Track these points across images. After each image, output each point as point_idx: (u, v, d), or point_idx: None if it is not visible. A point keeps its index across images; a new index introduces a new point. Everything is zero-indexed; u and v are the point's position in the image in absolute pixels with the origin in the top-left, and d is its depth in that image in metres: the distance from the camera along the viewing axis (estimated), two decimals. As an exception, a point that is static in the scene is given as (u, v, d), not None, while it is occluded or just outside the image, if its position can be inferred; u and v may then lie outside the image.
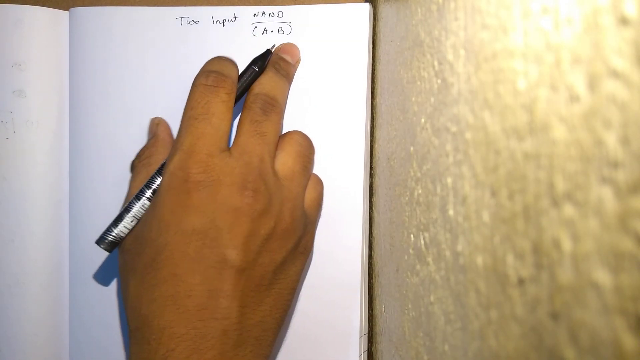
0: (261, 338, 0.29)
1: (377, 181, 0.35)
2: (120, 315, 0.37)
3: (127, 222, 0.31)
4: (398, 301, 0.29)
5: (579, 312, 0.13)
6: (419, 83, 0.26)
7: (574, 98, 0.13)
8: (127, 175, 0.35)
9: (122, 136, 0.37)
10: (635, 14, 0.11)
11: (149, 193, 0.31)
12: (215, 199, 0.29)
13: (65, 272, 0.38)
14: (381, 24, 0.35)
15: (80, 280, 0.38)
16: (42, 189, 0.37)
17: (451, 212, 0.21)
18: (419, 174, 0.25)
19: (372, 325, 0.37)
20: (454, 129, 0.21)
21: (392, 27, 0.31)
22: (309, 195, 0.33)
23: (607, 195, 0.12)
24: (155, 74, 0.37)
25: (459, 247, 0.20)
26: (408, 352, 0.27)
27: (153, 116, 0.36)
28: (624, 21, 0.12)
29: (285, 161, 0.32)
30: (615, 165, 0.12)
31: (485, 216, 0.18)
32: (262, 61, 0.34)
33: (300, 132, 0.34)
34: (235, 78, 0.33)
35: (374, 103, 0.36)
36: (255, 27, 0.37)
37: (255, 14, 0.37)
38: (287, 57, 0.35)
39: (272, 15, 0.37)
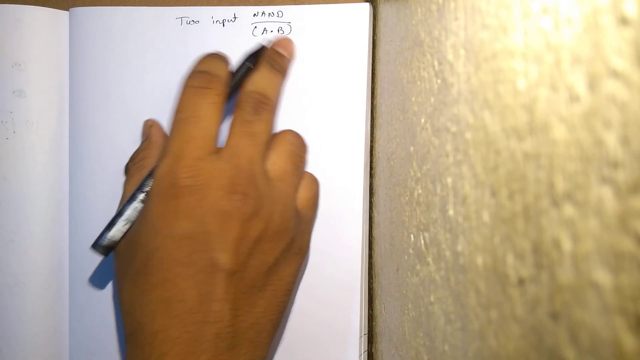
0: (256, 340, 0.29)
1: (377, 181, 0.35)
2: (119, 315, 0.37)
3: (121, 226, 0.31)
4: (398, 301, 0.29)
5: (579, 312, 0.13)
6: (419, 83, 0.26)
7: (574, 98, 0.13)
8: (127, 175, 0.34)
9: (122, 136, 0.37)
10: (635, 14, 0.11)
11: (141, 196, 0.31)
12: (204, 203, 0.29)
13: (65, 272, 0.38)
14: (381, 24, 0.35)
15: (80, 280, 0.38)
16: (42, 189, 0.37)
17: (451, 212, 0.21)
18: (419, 174, 0.25)
19: (372, 325, 0.37)
20: (454, 129, 0.21)
21: (392, 27, 0.31)
22: (303, 194, 0.33)
23: (607, 195, 0.12)
24: (155, 74, 0.37)
25: (459, 247, 0.20)
26: (408, 352, 0.27)
27: (153, 116, 0.36)
28: (624, 21, 0.12)
29: (276, 161, 0.32)
30: (615, 165, 0.12)
31: (485, 216, 0.18)
32: (256, 57, 0.34)
33: (292, 131, 0.34)
34: (226, 76, 0.32)
35: (374, 103, 0.36)
36: (255, 27, 0.37)
37: (255, 14, 0.37)
38: (283, 51, 0.35)
39: (272, 15, 0.37)
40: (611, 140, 0.12)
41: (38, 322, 0.37)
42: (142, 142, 0.35)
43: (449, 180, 0.21)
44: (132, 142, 0.36)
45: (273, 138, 0.33)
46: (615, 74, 0.12)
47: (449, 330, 0.21)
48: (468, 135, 0.19)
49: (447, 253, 0.21)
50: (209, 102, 0.31)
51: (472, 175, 0.19)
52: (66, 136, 0.38)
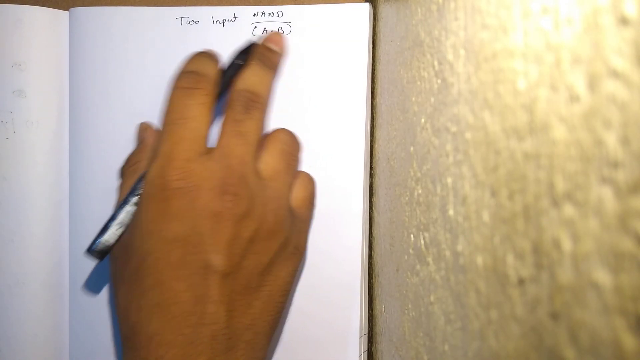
0: (253, 341, 0.29)
1: (377, 181, 0.35)
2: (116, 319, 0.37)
3: (114, 230, 0.31)
4: (398, 301, 0.29)
5: (579, 312, 0.13)
6: (419, 83, 0.26)
7: (574, 98, 0.13)
8: (127, 175, 0.34)
9: (122, 136, 0.37)
10: (635, 14, 0.11)
11: (134, 199, 0.31)
12: (195, 205, 0.29)
13: (65, 272, 0.38)
14: (381, 24, 0.35)
15: (80, 280, 0.38)
16: (42, 189, 0.37)
17: (451, 212, 0.21)
18: (419, 174, 0.25)
19: (372, 325, 0.37)
20: (454, 129, 0.21)
21: (392, 27, 0.31)
22: (298, 194, 0.33)
23: (607, 195, 0.12)
24: (155, 74, 0.37)
25: (459, 247, 0.20)
26: (408, 352, 0.27)
27: (153, 116, 0.36)
28: (624, 21, 0.12)
29: (268, 161, 0.32)
30: (615, 165, 0.12)
31: (485, 216, 0.18)
32: (246, 54, 0.34)
33: (284, 129, 0.34)
34: (215, 76, 0.32)
35: (374, 103, 0.36)
36: (255, 27, 0.37)
37: (255, 14, 0.37)
38: (274, 47, 0.35)
39: (272, 15, 0.37)
40: (611, 140, 0.12)
41: (38, 322, 0.37)
42: (137, 146, 0.35)
43: (449, 180, 0.21)
44: (132, 142, 0.36)
45: (265, 137, 0.33)
46: (615, 74, 0.12)
47: (449, 330, 0.21)
48: (468, 135, 0.19)
49: (447, 253, 0.21)
50: (198, 103, 0.31)
51: (472, 175, 0.19)
52: (66, 136, 0.38)
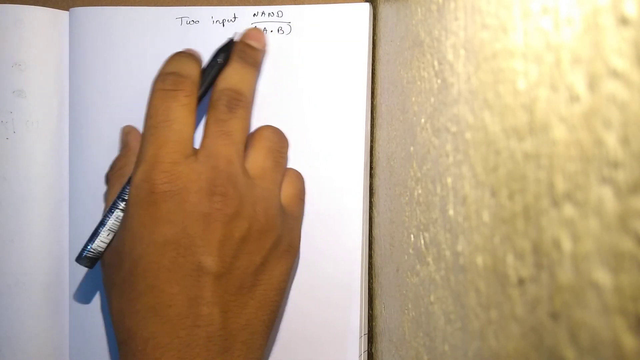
0: (249, 342, 0.29)
1: (377, 181, 0.35)
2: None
3: (104, 237, 0.31)
4: (398, 301, 0.29)
5: (579, 312, 0.13)
6: (419, 83, 0.26)
7: (574, 98, 0.13)
8: (127, 175, 0.34)
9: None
10: (635, 14, 0.11)
11: (122, 205, 0.31)
12: (184, 207, 0.28)
13: (65, 272, 0.38)
14: (381, 24, 0.35)
15: (81, 281, 0.38)
16: (42, 189, 0.37)
17: (451, 212, 0.21)
18: (419, 174, 0.25)
19: (372, 325, 0.37)
20: (454, 129, 0.21)
21: (392, 27, 0.31)
22: (288, 191, 0.33)
23: (607, 195, 0.12)
24: (155, 74, 0.37)
25: (459, 247, 0.20)
26: (408, 352, 0.27)
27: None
28: (624, 21, 0.12)
29: (255, 159, 0.31)
30: (615, 165, 0.12)
31: (485, 216, 0.18)
32: (226, 52, 0.33)
33: (270, 126, 0.33)
34: (196, 76, 0.32)
35: (374, 103, 0.36)
36: (255, 27, 0.37)
37: (255, 14, 0.37)
38: (254, 43, 0.34)
39: (272, 15, 0.37)
40: (611, 140, 0.12)
41: (38, 322, 0.37)
42: (121, 150, 0.35)
43: (449, 180, 0.21)
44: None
45: (251, 135, 0.33)
46: (615, 74, 0.12)
47: (449, 330, 0.21)
48: (468, 135, 0.19)
49: (447, 253, 0.21)
50: (181, 105, 0.30)
51: (472, 175, 0.19)
52: (66, 136, 0.38)
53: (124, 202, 0.31)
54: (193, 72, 0.32)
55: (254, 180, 0.31)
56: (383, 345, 0.33)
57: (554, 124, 0.14)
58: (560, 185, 0.14)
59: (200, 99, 0.32)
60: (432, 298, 0.23)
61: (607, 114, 0.12)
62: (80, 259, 0.31)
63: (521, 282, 0.15)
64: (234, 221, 0.29)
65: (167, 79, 0.31)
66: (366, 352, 0.36)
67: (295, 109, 0.36)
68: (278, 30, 0.36)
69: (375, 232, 0.36)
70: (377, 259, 0.35)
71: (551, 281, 0.14)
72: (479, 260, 0.18)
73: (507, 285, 0.16)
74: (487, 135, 0.18)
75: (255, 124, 0.34)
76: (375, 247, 0.36)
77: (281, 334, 0.36)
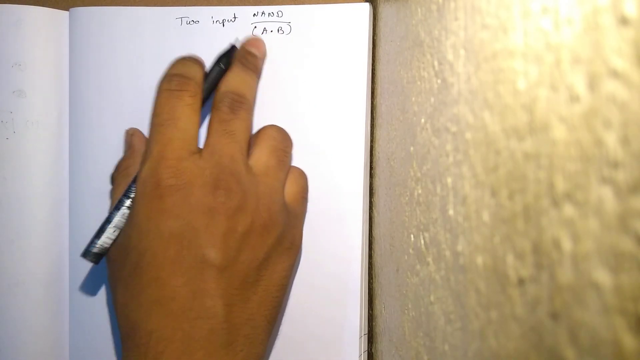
0: (251, 336, 0.29)
1: (377, 181, 0.35)
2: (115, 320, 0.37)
3: (110, 233, 0.31)
4: (398, 301, 0.29)
5: (579, 312, 0.13)
6: (419, 83, 0.26)
7: (574, 98, 0.13)
8: (127, 175, 0.34)
9: (122, 136, 0.37)
10: (635, 14, 0.11)
11: (127, 202, 0.31)
12: (189, 201, 0.29)
13: (65, 272, 0.38)
14: (381, 24, 0.35)
15: (81, 280, 0.38)
16: (42, 189, 0.37)
17: (451, 212, 0.21)
18: (419, 174, 0.25)
19: (372, 325, 0.37)
20: (454, 129, 0.21)
21: (392, 27, 0.31)
22: (290, 189, 0.33)
23: (607, 195, 0.12)
24: (155, 74, 0.37)
25: (459, 247, 0.20)
26: (408, 352, 0.27)
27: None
28: (624, 21, 0.12)
29: (259, 157, 0.32)
30: (615, 165, 0.12)
31: (485, 216, 0.18)
32: (228, 58, 0.34)
33: (274, 125, 0.34)
34: (200, 78, 0.33)
35: (374, 103, 0.36)
36: (255, 27, 0.37)
37: (255, 14, 0.37)
38: (254, 51, 0.35)
39: (272, 15, 0.37)
40: (611, 140, 0.12)
41: (38, 322, 0.37)
42: (125, 151, 0.36)
43: (449, 180, 0.21)
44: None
45: (255, 135, 0.33)
46: (615, 74, 0.12)
47: (449, 330, 0.21)
48: (468, 135, 0.19)
49: (447, 253, 0.21)
50: (185, 104, 0.31)
51: (472, 175, 0.19)
52: (66, 136, 0.38)
53: (130, 200, 0.31)
54: (197, 75, 0.33)
55: (257, 177, 0.31)
56: (383, 345, 0.33)
57: (554, 124, 0.14)
58: (560, 185, 0.14)
59: (203, 102, 0.33)
60: (432, 298, 0.23)
61: (607, 114, 0.12)
62: (86, 254, 0.32)
63: (521, 282, 0.15)
64: (237, 215, 0.29)
65: (172, 80, 0.32)
66: (366, 352, 0.36)
67: (295, 109, 0.36)
68: (278, 30, 0.36)
69: (375, 232, 0.36)
70: (377, 259, 0.35)
71: (551, 281, 0.14)
72: (479, 260, 0.18)
73: (507, 285, 0.16)
74: (487, 135, 0.18)
75: (255, 124, 0.35)
76: (375, 247, 0.36)
77: (281, 334, 0.36)
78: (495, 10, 0.17)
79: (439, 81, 0.23)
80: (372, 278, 0.37)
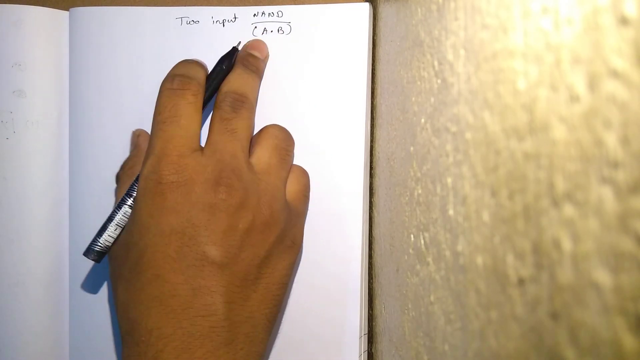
0: (252, 335, 0.29)
1: (377, 181, 0.35)
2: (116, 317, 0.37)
3: (112, 231, 0.31)
4: (398, 301, 0.29)
5: (579, 312, 0.13)
6: (419, 83, 0.26)
7: (574, 98, 0.13)
8: (127, 175, 0.34)
9: (122, 136, 0.37)
10: (635, 14, 0.11)
11: (130, 201, 0.31)
12: (190, 197, 0.29)
13: (65, 272, 0.38)
14: (381, 24, 0.35)
15: (80, 280, 0.38)
16: (42, 189, 0.37)
17: (451, 212, 0.21)
18: (419, 174, 0.25)
19: (372, 325, 0.37)
20: (454, 129, 0.21)
21: (392, 27, 0.31)
22: (292, 187, 0.33)
23: (607, 195, 0.12)
24: (155, 74, 0.37)
25: (459, 247, 0.20)
26: (408, 352, 0.27)
27: (152, 116, 0.36)
28: (624, 21, 0.12)
29: (261, 155, 0.32)
30: (615, 165, 0.12)
31: (485, 216, 0.18)
32: (230, 59, 0.34)
33: (277, 125, 0.34)
34: (202, 79, 0.33)
35: (374, 103, 0.36)
36: (255, 27, 0.37)
37: (255, 14, 0.37)
38: (256, 53, 0.35)
39: (272, 15, 0.37)
40: (611, 140, 0.12)
41: (38, 322, 0.37)
42: (131, 151, 0.36)
43: (449, 180, 0.21)
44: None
45: (257, 134, 0.34)
46: (615, 74, 0.12)
47: (449, 330, 0.21)
48: (468, 135, 0.19)
49: (447, 253, 0.21)
50: (188, 102, 0.31)
51: (472, 175, 0.19)
52: (66, 136, 0.38)
53: (132, 198, 0.31)
54: (199, 75, 0.33)
55: (259, 175, 0.31)
56: (383, 345, 0.33)
57: (554, 124, 0.14)
58: (560, 185, 0.14)
59: (205, 103, 0.33)
60: (432, 298, 0.23)
61: (607, 114, 0.12)
62: (88, 252, 0.32)
63: (521, 282, 0.15)
64: (238, 212, 0.29)
65: (175, 79, 0.32)
66: (366, 352, 0.36)
67: (295, 109, 0.36)
68: (278, 30, 0.36)
69: (375, 232, 0.36)
70: (377, 259, 0.35)
71: (551, 281, 0.14)
72: (479, 260, 0.18)
73: (507, 285, 0.16)
74: (487, 135, 0.18)
75: (255, 124, 0.35)
76: (375, 247, 0.36)
77: (281, 333, 0.36)
78: (495, 10, 0.17)
79: (439, 81, 0.23)
80: (372, 278, 0.37)
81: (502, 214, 0.17)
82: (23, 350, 0.37)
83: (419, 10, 0.26)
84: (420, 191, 0.25)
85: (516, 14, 0.16)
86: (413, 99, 0.27)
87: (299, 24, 0.36)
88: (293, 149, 0.35)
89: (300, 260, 0.36)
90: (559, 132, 0.14)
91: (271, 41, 0.36)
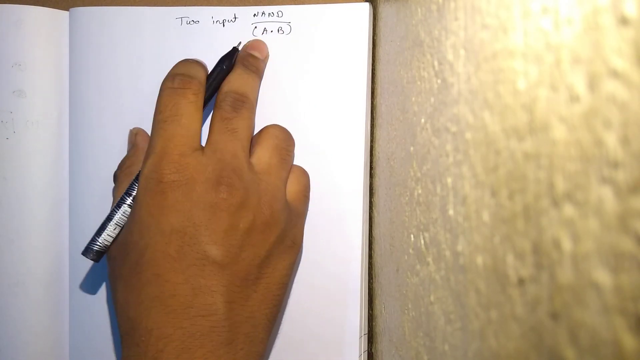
0: (252, 335, 0.29)
1: (377, 181, 0.35)
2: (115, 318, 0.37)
3: (110, 231, 0.31)
4: (398, 301, 0.29)
5: (579, 312, 0.13)
6: (419, 83, 0.26)
7: (574, 98, 0.13)
8: (127, 175, 0.34)
9: (122, 136, 0.37)
10: (635, 14, 0.11)
11: (129, 200, 0.31)
12: (191, 197, 0.29)
13: (65, 272, 0.38)
14: (381, 24, 0.35)
15: (81, 280, 0.38)
16: (42, 189, 0.37)
17: (451, 212, 0.21)
18: (419, 174, 0.25)
19: (372, 325, 0.37)
20: (454, 129, 0.21)
21: (392, 27, 0.31)
22: (292, 187, 0.33)
23: (607, 195, 0.12)
24: (155, 74, 0.37)
25: (459, 247, 0.20)
26: (408, 352, 0.27)
27: (152, 116, 0.36)
28: (624, 21, 0.12)
29: (261, 155, 0.32)
30: (615, 165, 0.12)
31: (485, 216, 0.18)
32: (230, 59, 0.34)
33: (277, 125, 0.34)
34: (202, 79, 0.33)
35: (374, 103, 0.36)
36: (255, 27, 0.37)
37: (255, 14, 0.37)
38: (256, 53, 0.36)
39: (272, 15, 0.37)
40: (611, 140, 0.12)
41: (38, 322, 0.37)
42: (129, 150, 0.36)
43: (449, 180, 0.21)
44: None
45: (257, 134, 0.34)
46: (615, 74, 0.12)
47: (449, 330, 0.21)
48: (468, 135, 0.19)
49: (447, 253, 0.21)
50: (188, 101, 0.31)
51: (472, 175, 0.19)
52: (66, 136, 0.38)
53: (131, 198, 0.31)
54: (200, 75, 0.33)
55: (259, 175, 0.31)
56: (383, 345, 0.33)
57: (554, 124, 0.14)
58: (560, 185, 0.14)
59: (205, 103, 0.33)
60: (432, 298, 0.23)
61: (607, 114, 0.12)
62: (87, 252, 0.32)
63: (521, 282, 0.15)
64: (239, 211, 0.29)
65: (175, 78, 0.32)
66: (366, 352, 0.36)
67: (295, 109, 0.36)
68: (278, 30, 0.36)
69: (375, 232, 0.36)
70: (377, 259, 0.35)
71: (551, 281, 0.14)
72: (479, 260, 0.18)
73: (507, 285, 0.16)
74: (487, 135, 0.18)
75: (255, 124, 0.35)
76: (375, 247, 0.36)
77: (281, 333, 0.36)
78: (495, 10, 0.17)
79: (439, 81, 0.23)
80: (372, 278, 0.37)
81: (502, 214, 0.17)
82: (23, 350, 0.37)
83: (419, 10, 0.26)
84: (420, 191, 0.25)
85: (516, 14, 0.16)
86: (413, 99, 0.27)
87: (299, 24, 0.36)
88: (293, 149, 0.35)
89: (300, 260, 0.36)
90: (559, 132, 0.14)
91: (271, 41, 0.36)
